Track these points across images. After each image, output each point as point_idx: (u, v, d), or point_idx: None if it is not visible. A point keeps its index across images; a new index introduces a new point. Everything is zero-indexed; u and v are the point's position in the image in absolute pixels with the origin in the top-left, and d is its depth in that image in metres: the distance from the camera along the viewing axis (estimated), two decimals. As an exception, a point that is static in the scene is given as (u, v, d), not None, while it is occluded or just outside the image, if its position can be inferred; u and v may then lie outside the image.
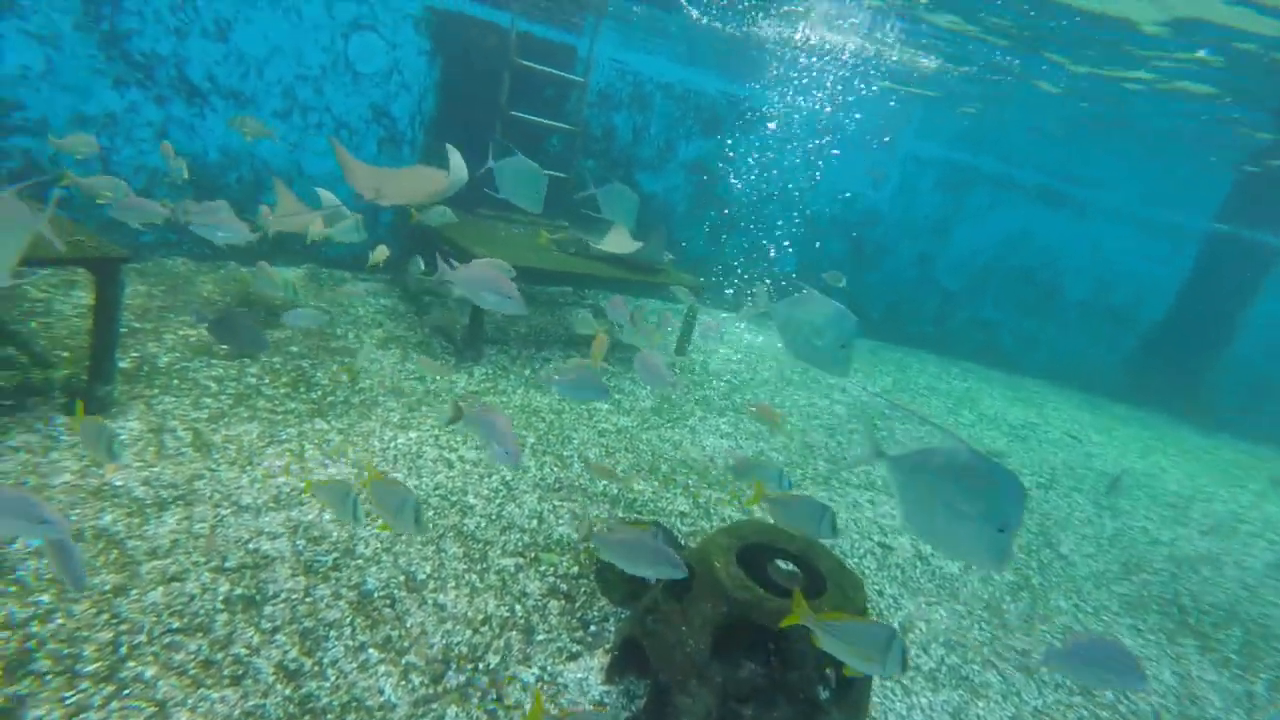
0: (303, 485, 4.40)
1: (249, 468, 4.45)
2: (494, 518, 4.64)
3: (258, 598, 3.44)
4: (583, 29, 9.43)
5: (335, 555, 3.89)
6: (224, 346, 5.81)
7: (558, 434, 6.02)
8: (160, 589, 3.33)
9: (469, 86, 8.79)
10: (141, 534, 3.65)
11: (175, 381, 5.21)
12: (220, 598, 3.38)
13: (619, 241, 7.99)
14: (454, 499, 4.73)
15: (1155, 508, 8.18)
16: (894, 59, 11.01)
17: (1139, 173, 13.30)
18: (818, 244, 11.81)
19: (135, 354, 5.43)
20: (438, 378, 6.47)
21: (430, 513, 4.51)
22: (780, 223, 11.54)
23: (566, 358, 7.75)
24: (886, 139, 12.00)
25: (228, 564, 3.61)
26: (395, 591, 3.74)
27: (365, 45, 8.15)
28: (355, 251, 8.86)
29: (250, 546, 3.78)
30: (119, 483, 3.99)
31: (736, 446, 6.74)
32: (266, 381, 5.60)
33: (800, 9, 9.66)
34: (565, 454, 5.73)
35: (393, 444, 5.19)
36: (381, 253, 6.48)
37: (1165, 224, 13.26)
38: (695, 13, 10.04)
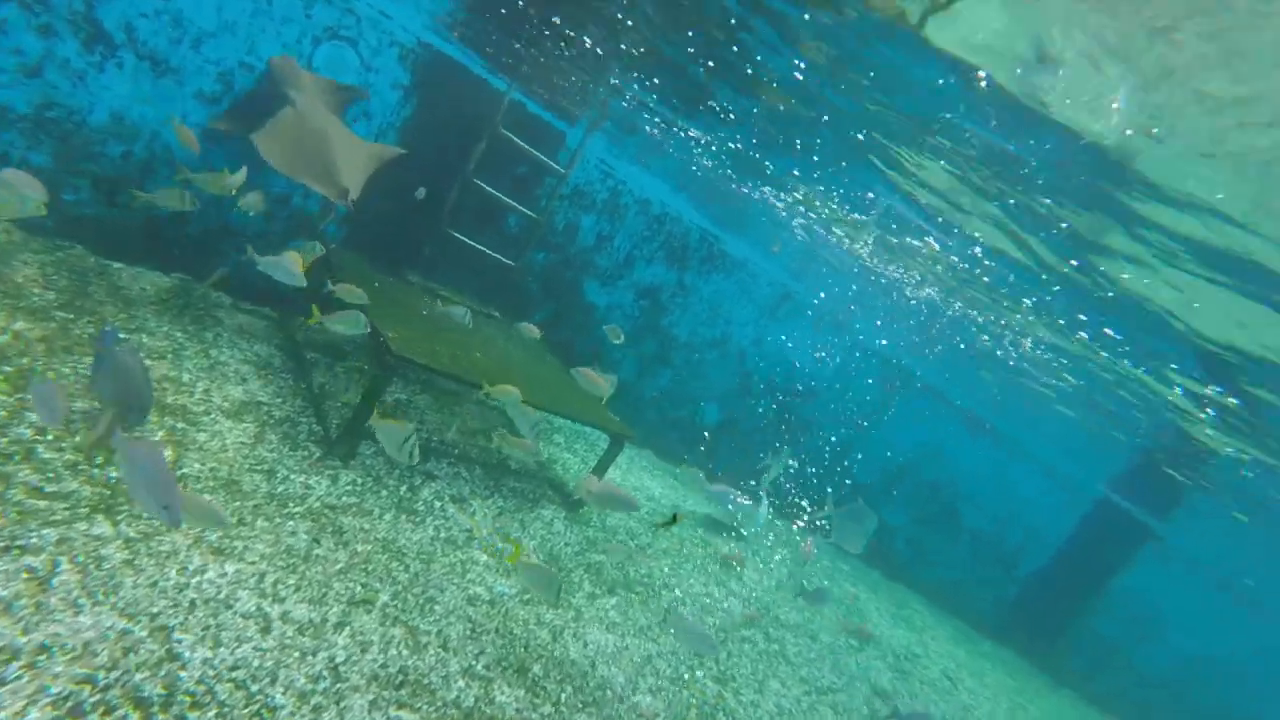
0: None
1: (-44, 592, 2.99)
2: (302, 733, 3.34)
3: None
4: (578, 120, 8.74)
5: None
6: (97, 397, 3.76)
7: (419, 593, 4.78)
8: None
9: (437, 138, 7.79)
10: None
11: (-94, 414, 3.66)
12: None
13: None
14: (256, 690, 3.40)
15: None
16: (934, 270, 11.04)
17: (1056, 421, 13.92)
18: (755, 404, 11.30)
19: None
20: (290, 476, 5.11)
21: (211, 714, 3.17)
22: (714, 373, 10.98)
23: (455, 474, 6.54)
24: (840, 319, 11.88)
25: None
26: None
27: (336, 57, 7.04)
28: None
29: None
30: None
31: (623, 645, 5.68)
32: (49, 437, 4.11)
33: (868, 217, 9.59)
34: (422, 627, 4.50)
35: (197, 579, 3.81)
36: (312, 250, 5.28)
37: (1067, 475, 13.74)
38: (694, 130, 9.60)
